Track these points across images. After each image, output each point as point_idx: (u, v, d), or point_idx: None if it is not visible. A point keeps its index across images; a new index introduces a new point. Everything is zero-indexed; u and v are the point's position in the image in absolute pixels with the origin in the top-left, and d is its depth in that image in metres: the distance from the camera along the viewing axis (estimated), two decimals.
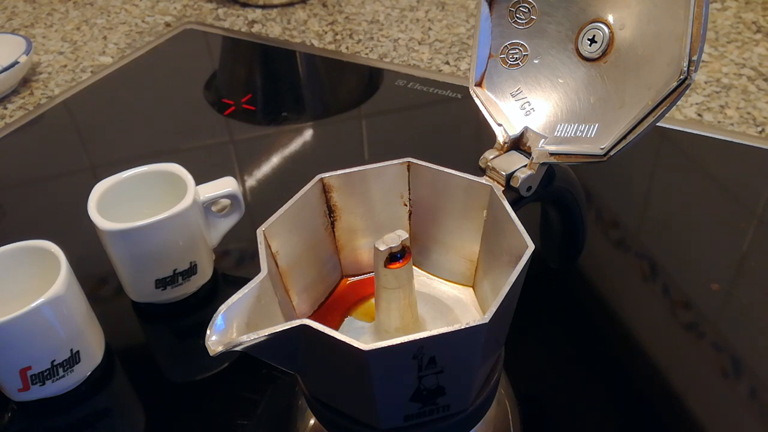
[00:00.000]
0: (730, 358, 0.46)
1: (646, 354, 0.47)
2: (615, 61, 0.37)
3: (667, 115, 0.35)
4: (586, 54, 0.39)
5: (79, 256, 0.48)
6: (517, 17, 0.41)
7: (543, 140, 0.39)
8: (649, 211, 0.60)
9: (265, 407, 0.44)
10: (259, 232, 0.35)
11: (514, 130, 0.41)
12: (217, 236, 0.54)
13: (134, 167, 0.51)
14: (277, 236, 0.36)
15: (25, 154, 0.72)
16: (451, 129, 0.71)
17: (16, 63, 0.78)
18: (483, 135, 0.65)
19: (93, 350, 0.46)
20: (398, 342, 0.29)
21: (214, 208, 0.53)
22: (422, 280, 0.42)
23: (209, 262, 0.53)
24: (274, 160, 0.68)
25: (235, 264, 0.56)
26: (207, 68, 0.86)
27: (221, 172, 0.53)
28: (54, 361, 0.43)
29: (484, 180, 0.38)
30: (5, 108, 0.79)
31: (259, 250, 0.34)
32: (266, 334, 0.29)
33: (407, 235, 0.33)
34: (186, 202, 0.48)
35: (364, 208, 0.40)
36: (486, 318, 0.30)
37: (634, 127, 0.35)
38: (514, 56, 0.41)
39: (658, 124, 0.35)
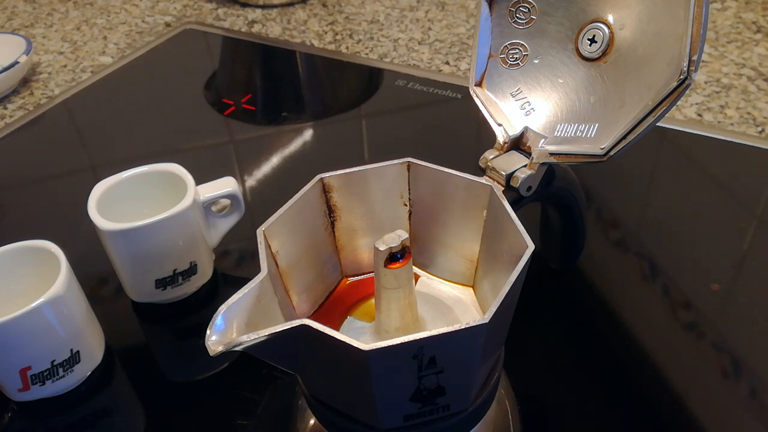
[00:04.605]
0: (730, 358, 0.46)
1: (646, 354, 0.47)
2: (615, 61, 0.37)
3: (667, 115, 0.35)
4: (586, 54, 0.39)
5: (79, 256, 0.48)
6: (517, 17, 0.41)
7: (543, 140, 0.39)
8: (649, 211, 0.60)
9: (265, 407, 0.44)
10: (259, 232, 0.35)
11: (514, 130, 0.41)
12: (217, 236, 0.54)
13: (134, 167, 0.51)
14: (277, 236, 0.36)
15: (25, 154, 0.72)
16: (451, 129, 0.71)
17: (16, 63, 0.78)
18: (483, 135, 0.65)
19: (93, 350, 0.46)
20: (398, 342, 0.29)
21: (214, 208, 0.53)
22: (422, 280, 0.42)
23: (209, 262, 0.53)
24: (274, 160, 0.68)
25: (235, 264, 0.56)
26: (207, 68, 0.86)
27: (221, 172, 0.53)
28: (54, 361, 0.43)
29: (484, 180, 0.38)
30: (5, 108, 0.79)
31: (259, 250, 0.34)
32: (266, 334, 0.29)
33: (407, 235, 0.33)
34: (186, 202, 0.48)
35: (364, 208, 0.40)
36: (486, 318, 0.30)
37: (634, 127, 0.35)
38: (514, 56, 0.41)
39: (658, 124, 0.35)
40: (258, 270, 0.33)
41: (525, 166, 0.39)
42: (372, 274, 0.41)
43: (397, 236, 0.33)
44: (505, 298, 0.31)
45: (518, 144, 0.41)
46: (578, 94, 0.39)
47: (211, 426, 0.44)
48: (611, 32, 0.37)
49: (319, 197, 0.39)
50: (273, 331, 0.29)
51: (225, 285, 0.54)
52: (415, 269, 0.42)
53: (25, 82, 0.83)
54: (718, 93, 0.72)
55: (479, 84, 0.43)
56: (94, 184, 0.50)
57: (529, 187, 0.39)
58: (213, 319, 0.30)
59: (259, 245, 0.34)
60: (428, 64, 0.82)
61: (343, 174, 0.39)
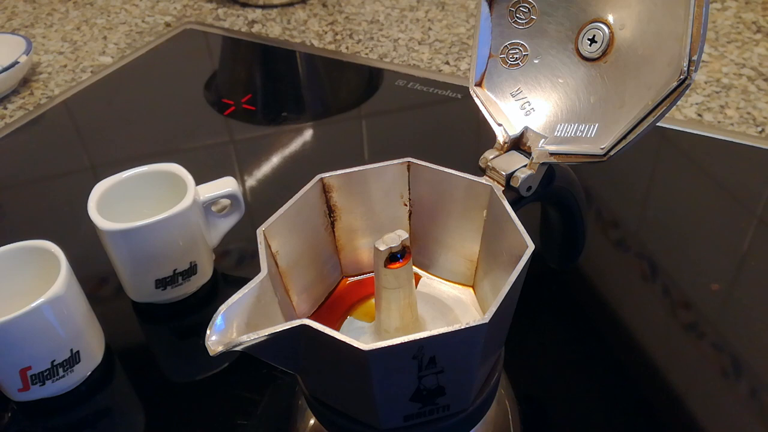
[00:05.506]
0: (730, 358, 0.46)
1: (646, 354, 0.47)
2: (615, 61, 0.37)
3: (667, 115, 0.35)
4: (586, 54, 0.39)
5: (79, 256, 0.48)
6: (517, 17, 0.41)
7: (543, 140, 0.39)
8: (649, 211, 0.60)
9: (265, 407, 0.44)
10: (259, 232, 0.35)
11: (514, 130, 0.41)
12: (217, 236, 0.54)
13: (134, 167, 0.51)
14: (277, 236, 0.36)
15: (25, 154, 0.72)
16: (451, 129, 0.71)
17: (16, 63, 0.78)
18: (483, 135, 0.65)
19: (93, 350, 0.46)
20: (398, 342, 0.29)
21: (214, 208, 0.53)
22: (422, 280, 0.42)
23: (209, 262, 0.53)
24: (274, 160, 0.68)
25: (235, 264, 0.56)
26: (207, 68, 0.86)
27: (221, 172, 0.53)
28: (54, 361, 0.43)
29: (484, 180, 0.38)
30: (5, 108, 0.79)
31: (259, 250, 0.34)
32: (266, 334, 0.29)
33: (407, 235, 0.33)
34: (186, 202, 0.48)
35: (364, 208, 0.40)
36: (486, 318, 0.30)
37: (634, 127, 0.35)
38: (514, 56, 0.41)
39: (658, 124, 0.35)
40: (258, 270, 0.33)
41: (525, 166, 0.39)
42: (372, 274, 0.41)
43: (397, 236, 0.33)
44: (505, 298, 0.31)
45: (518, 144, 0.41)
46: (578, 94, 0.39)
47: (211, 426, 0.44)
48: (611, 32, 0.37)
49: (319, 197, 0.39)
50: (273, 331, 0.29)
51: (225, 285, 0.54)
52: (416, 269, 0.42)
53: (25, 82, 0.83)
54: (718, 93, 0.72)
55: (479, 84, 0.43)
56: (94, 184, 0.50)
57: (529, 187, 0.39)
58: (213, 319, 0.30)
59: (259, 245, 0.34)
60: (428, 64, 0.82)
61: (343, 174, 0.39)
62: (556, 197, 0.44)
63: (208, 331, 0.30)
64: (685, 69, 0.33)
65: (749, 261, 0.53)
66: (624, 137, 0.35)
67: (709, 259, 0.54)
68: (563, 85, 0.40)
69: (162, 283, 0.50)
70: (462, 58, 0.83)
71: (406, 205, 0.40)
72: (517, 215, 0.35)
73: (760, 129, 0.67)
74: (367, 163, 0.39)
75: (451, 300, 0.40)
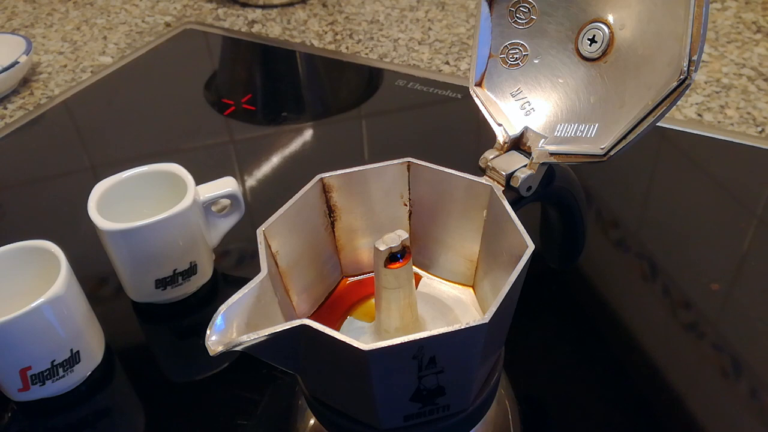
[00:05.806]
0: (730, 358, 0.46)
1: (646, 354, 0.47)
2: (615, 61, 0.37)
3: (667, 115, 0.35)
4: (586, 54, 0.39)
5: (79, 256, 0.48)
6: (517, 17, 0.41)
7: (543, 140, 0.39)
8: (649, 211, 0.60)
9: (265, 407, 0.44)
10: (259, 232, 0.35)
11: (514, 130, 0.41)
12: (217, 236, 0.54)
13: (134, 167, 0.51)
14: (277, 236, 0.36)
15: (25, 154, 0.72)
16: (451, 129, 0.71)
17: (16, 63, 0.78)
18: (483, 135, 0.65)
19: (93, 350, 0.46)
20: (398, 342, 0.29)
21: (214, 208, 0.53)
22: (422, 280, 0.42)
23: (209, 262, 0.53)
24: (274, 160, 0.68)
25: (235, 264, 0.56)
26: (207, 68, 0.86)
27: (221, 172, 0.53)
28: (54, 361, 0.43)
29: (484, 180, 0.38)
30: (5, 108, 0.79)
31: (259, 250, 0.34)
32: (266, 334, 0.29)
33: (407, 235, 0.33)
34: (186, 202, 0.48)
35: (364, 208, 0.40)
36: (486, 318, 0.30)
37: (634, 127, 0.35)
38: (514, 56, 0.41)
39: (658, 124, 0.35)
40: (258, 270, 0.33)
41: (525, 166, 0.39)
42: (372, 274, 0.41)
43: (397, 236, 0.33)
44: (505, 298, 0.31)
45: (518, 144, 0.41)
46: (578, 94, 0.39)
47: (211, 426, 0.44)
48: (611, 32, 0.37)
49: (319, 197, 0.39)
50: (273, 331, 0.29)
51: (225, 285, 0.54)
52: (416, 269, 0.42)
53: (25, 82, 0.83)
54: (718, 93, 0.72)
55: (479, 84, 0.43)
56: (94, 184, 0.50)
57: (529, 187, 0.39)
58: (213, 319, 0.30)
59: (259, 245, 0.34)
60: (428, 64, 0.82)
61: (343, 174, 0.39)
62: (556, 197, 0.44)
63: (208, 331, 0.30)
64: (685, 69, 0.33)
65: (749, 261, 0.53)
66: (624, 137, 0.35)
67: (709, 259, 0.54)
68: (563, 85, 0.40)
69: (162, 283, 0.50)
70: (462, 58, 0.83)
71: (406, 205, 0.40)
72: (517, 215, 0.35)
73: (760, 129, 0.67)
74: (367, 163, 0.39)
75: (451, 300, 0.40)
